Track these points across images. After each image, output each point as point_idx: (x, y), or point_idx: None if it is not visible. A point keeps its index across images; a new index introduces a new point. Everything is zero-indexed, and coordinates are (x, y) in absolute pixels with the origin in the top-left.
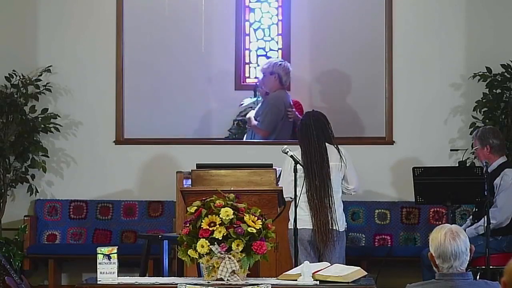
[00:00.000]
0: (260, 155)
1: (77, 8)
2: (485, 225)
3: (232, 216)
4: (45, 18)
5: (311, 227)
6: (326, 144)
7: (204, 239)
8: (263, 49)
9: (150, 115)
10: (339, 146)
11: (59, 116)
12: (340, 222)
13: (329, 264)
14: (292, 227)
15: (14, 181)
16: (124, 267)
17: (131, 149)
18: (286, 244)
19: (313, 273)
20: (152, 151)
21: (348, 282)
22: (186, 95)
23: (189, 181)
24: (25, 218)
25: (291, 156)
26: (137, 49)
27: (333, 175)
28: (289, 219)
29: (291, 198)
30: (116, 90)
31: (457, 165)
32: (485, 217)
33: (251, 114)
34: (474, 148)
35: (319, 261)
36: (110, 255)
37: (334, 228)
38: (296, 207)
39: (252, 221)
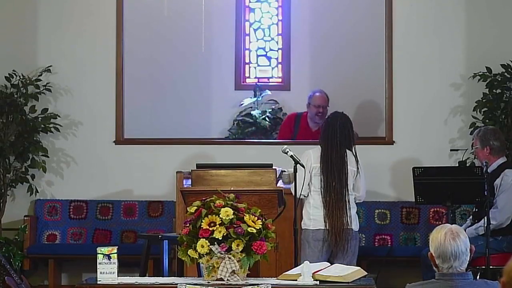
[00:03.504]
0: (260, 155)
1: (77, 8)
2: (485, 225)
3: (232, 216)
4: (45, 18)
5: (326, 227)
6: (347, 149)
7: (204, 239)
8: (263, 49)
9: (150, 115)
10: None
11: (59, 116)
12: (354, 222)
13: (329, 264)
14: (305, 227)
15: (14, 181)
16: (124, 267)
17: (131, 149)
18: (286, 244)
19: (313, 273)
20: (152, 151)
21: (348, 282)
22: (186, 95)
23: (189, 181)
24: (25, 218)
25: (291, 156)
26: (137, 49)
27: (349, 179)
28: (301, 219)
29: (304, 196)
30: (116, 90)
31: (457, 165)
32: (485, 217)
33: None
34: (474, 147)
35: (332, 260)
36: (110, 255)
37: (349, 227)
38: (296, 207)
39: (252, 221)
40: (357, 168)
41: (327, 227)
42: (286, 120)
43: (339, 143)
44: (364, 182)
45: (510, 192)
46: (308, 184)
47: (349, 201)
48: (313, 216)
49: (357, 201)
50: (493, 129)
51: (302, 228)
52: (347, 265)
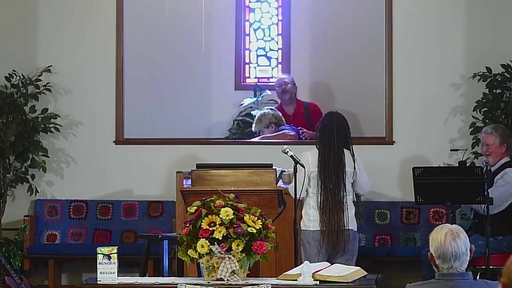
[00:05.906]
0: (260, 155)
1: (77, 8)
2: (486, 225)
3: (232, 216)
4: (45, 18)
5: (322, 228)
6: (344, 149)
7: (204, 239)
8: (263, 49)
9: (150, 115)
10: (354, 151)
11: (59, 116)
12: (352, 223)
13: (329, 264)
14: (305, 228)
15: (14, 181)
16: (124, 267)
17: (131, 149)
18: (286, 244)
19: (313, 273)
20: (152, 151)
21: (348, 282)
22: (186, 95)
23: (189, 181)
24: (25, 218)
25: (291, 156)
26: (137, 49)
27: (346, 180)
28: (302, 219)
29: (302, 197)
30: (116, 90)
31: (457, 165)
32: (485, 215)
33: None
34: (490, 144)
35: (331, 260)
36: (110, 255)
37: (347, 228)
38: (296, 207)
39: (252, 221)
40: (354, 168)
41: (324, 228)
42: None
43: (337, 145)
44: (365, 179)
45: (505, 188)
46: (295, 186)
47: (346, 203)
48: (313, 218)
49: (361, 197)
50: (507, 128)
51: (302, 229)
52: (346, 265)
